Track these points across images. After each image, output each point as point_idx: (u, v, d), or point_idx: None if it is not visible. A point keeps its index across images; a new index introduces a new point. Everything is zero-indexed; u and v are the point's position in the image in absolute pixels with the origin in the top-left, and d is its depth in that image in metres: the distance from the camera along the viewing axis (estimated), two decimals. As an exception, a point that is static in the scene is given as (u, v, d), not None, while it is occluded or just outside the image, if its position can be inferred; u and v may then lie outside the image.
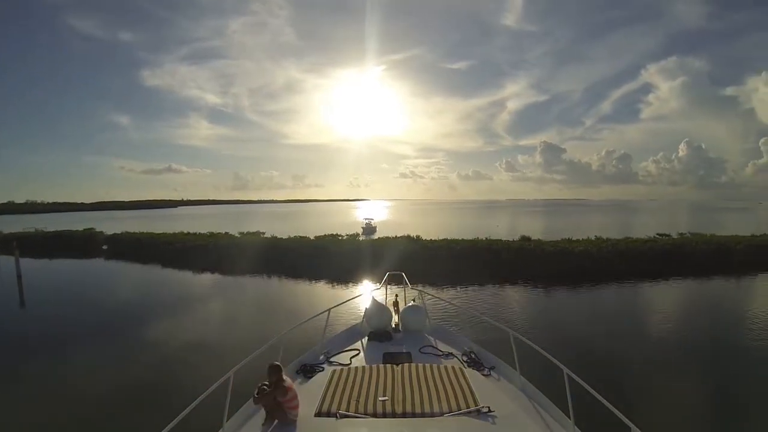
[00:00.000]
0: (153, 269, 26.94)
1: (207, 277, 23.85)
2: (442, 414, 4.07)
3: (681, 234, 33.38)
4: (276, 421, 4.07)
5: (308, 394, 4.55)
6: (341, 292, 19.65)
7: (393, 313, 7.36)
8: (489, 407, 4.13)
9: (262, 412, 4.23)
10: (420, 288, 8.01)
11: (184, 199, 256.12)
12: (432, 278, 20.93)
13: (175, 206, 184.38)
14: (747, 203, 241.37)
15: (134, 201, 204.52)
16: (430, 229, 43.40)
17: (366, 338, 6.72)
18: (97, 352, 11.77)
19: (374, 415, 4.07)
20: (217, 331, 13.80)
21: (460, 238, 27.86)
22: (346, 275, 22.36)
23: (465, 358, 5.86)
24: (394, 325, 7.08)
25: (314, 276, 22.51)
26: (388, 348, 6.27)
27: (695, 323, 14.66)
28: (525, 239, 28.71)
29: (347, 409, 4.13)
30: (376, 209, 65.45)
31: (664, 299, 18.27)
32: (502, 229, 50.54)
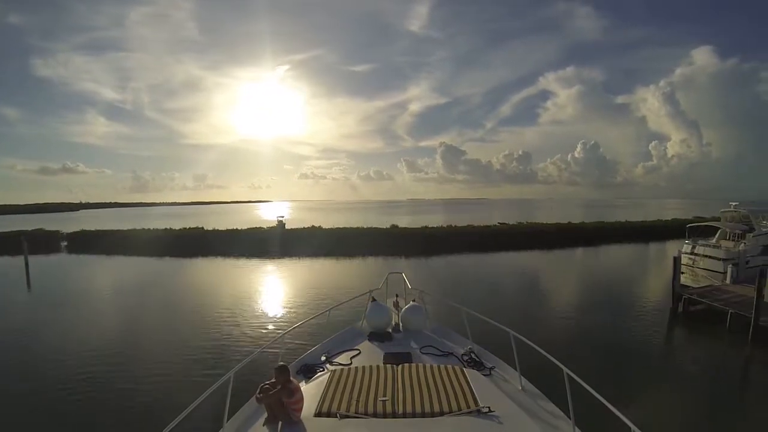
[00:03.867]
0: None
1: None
2: (442, 414, 4.07)
3: (519, 222, 47.18)
4: (278, 421, 4.07)
5: (309, 395, 4.54)
6: (287, 268, 27.66)
7: (393, 314, 7.38)
8: (489, 407, 4.12)
9: (263, 412, 4.22)
10: (420, 288, 8.00)
11: (83, 201, 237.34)
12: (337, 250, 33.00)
13: (76, 209, 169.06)
14: (634, 201, 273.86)
15: (30, 204, 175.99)
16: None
17: (366, 338, 6.71)
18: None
19: (375, 415, 4.06)
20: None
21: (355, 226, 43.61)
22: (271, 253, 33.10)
23: (465, 358, 5.86)
24: (394, 326, 7.09)
25: (249, 254, 32.73)
26: (388, 348, 6.27)
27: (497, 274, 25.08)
28: (393, 227, 42.78)
29: (348, 410, 4.12)
30: (279, 210, 69.09)
31: (483, 264, 29.18)
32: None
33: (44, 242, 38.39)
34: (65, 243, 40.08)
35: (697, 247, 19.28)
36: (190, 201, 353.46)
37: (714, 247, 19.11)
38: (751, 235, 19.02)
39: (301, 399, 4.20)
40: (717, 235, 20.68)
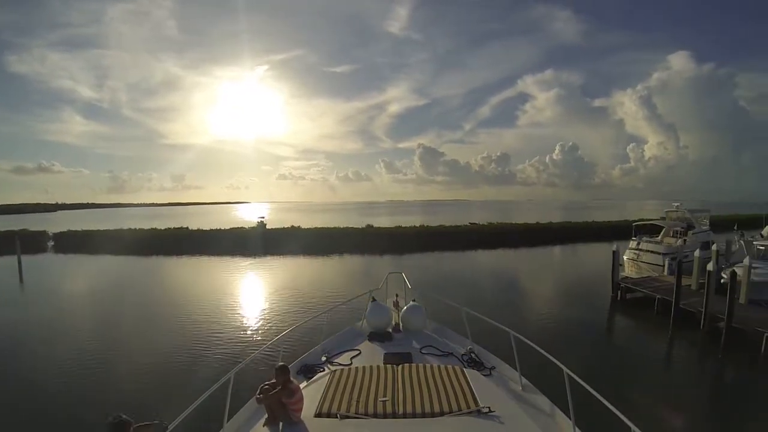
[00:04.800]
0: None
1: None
2: (442, 414, 4.06)
3: (489, 222, 49.65)
4: (278, 422, 4.06)
5: (309, 395, 4.54)
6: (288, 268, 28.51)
7: (393, 314, 7.37)
8: (489, 407, 4.12)
9: (263, 413, 4.22)
10: (420, 288, 8.00)
11: (59, 202, 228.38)
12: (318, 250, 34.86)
13: (53, 210, 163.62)
14: (612, 202, 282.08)
15: (5, 205, 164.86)
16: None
17: (366, 339, 6.70)
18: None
19: (375, 415, 4.06)
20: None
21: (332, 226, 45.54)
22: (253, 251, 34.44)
23: (465, 358, 5.86)
24: (394, 326, 7.09)
25: (233, 252, 33.79)
26: (388, 348, 6.27)
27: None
28: (369, 226, 45.67)
29: (348, 410, 4.12)
30: (258, 211, 70.38)
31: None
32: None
33: (31, 242, 38.34)
34: (52, 243, 40.92)
35: (641, 243, 21.37)
36: (168, 202, 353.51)
37: (656, 243, 21.20)
38: (691, 232, 21.35)
39: (301, 399, 4.19)
40: (662, 232, 22.80)
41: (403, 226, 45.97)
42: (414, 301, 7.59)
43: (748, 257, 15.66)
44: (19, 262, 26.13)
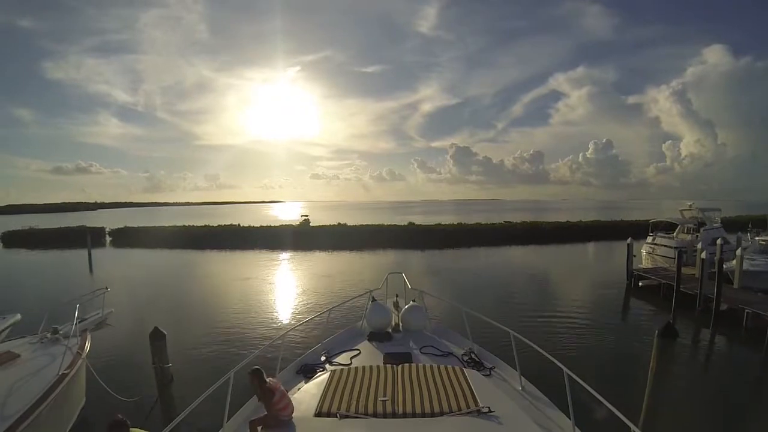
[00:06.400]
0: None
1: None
2: (442, 414, 4.06)
3: (523, 221, 50.22)
4: (272, 424, 4.03)
5: (308, 395, 4.55)
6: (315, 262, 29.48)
7: (393, 314, 7.37)
8: (489, 407, 4.12)
9: (263, 412, 4.17)
10: (420, 288, 8.00)
11: (98, 201, 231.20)
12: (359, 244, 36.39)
13: (94, 209, 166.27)
14: (648, 202, 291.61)
15: (47, 204, 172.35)
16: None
17: (366, 338, 6.71)
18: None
19: (375, 415, 4.06)
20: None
21: (375, 223, 46.62)
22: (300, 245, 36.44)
23: (465, 358, 5.86)
24: (394, 326, 7.09)
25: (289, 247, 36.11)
26: (388, 348, 6.27)
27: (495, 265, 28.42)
28: (411, 224, 47.01)
29: (348, 410, 4.12)
30: (293, 210, 71.04)
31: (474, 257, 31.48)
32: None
33: (92, 237, 40.62)
34: (110, 238, 43.22)
35: (656, 238, 24.02)
36: (203, 201, 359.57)
37: (669, 238, 23.57)
38: (703, 229, 22.94)
39: (284, 397, 4.10)
40: (677, 229, 24.60)
41: (443, 223, 47.15)
42: (414, 301, 7.59)
43: (740, 249, 17.92)
44: (89, 255, 28.00)
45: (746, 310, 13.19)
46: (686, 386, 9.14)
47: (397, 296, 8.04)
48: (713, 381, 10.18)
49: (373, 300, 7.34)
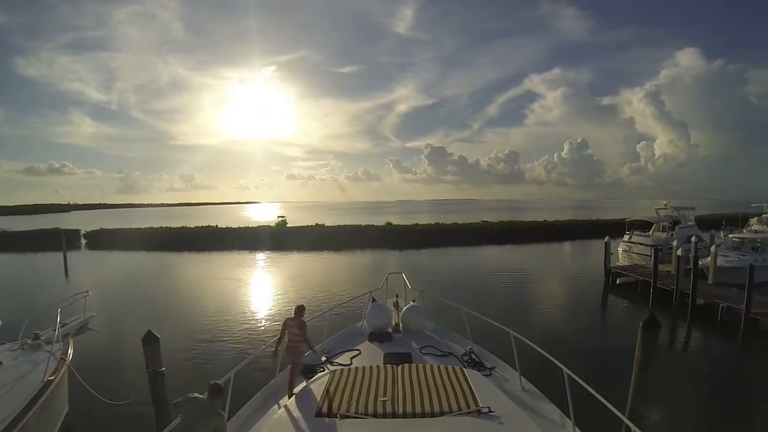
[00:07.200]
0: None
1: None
2: (442, 414, 4.07)
3: (500, 221, 50.56)
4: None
5: (309, 395, 4.54)
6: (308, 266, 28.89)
7: (393, 314, 7.37)
8: (489, 407, 4.13)
9: (263, 412, 4.26)
10: (420, 288, 8.03)
11: (71, 203, 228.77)
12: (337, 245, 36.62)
13: (68, 210, 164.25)
14: (621, 201, 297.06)
15: (20, 205, 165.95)
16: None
17: (366, 339, 6.71)
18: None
19: (375, 415, 4.06)
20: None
21: (353, 224, 46.69)
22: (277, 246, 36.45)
23: (465, 358, 5.89)
24: (394, 326, 7.09)
25: (262, 248, 35.95)
26: (388, 348, 6.28)
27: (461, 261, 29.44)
28: (388, 224, 47.54)
29: (348, 410, 4.12)
30: (270, 211, 71.26)
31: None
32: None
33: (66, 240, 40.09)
34: (85, 241, 42.37)
35: (633, 237, 24.45)
36: (178, 202, 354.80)
37: (645, 236, 24.09)
38: (678, 227, 23.74)
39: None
40: (652, 228, 25.23)
41: (420, 223, 48.03)
42: (414, 301, 7.61)
43: (714, 246, 18.68)
44: (65, 258, 27.55)
45: (721, 305, 13.82)
46: (668, 375, 9.48)
47: (397, 296, 8.03)
48: (693, 370, 10.77)
49: (373, 300, 7.35)
